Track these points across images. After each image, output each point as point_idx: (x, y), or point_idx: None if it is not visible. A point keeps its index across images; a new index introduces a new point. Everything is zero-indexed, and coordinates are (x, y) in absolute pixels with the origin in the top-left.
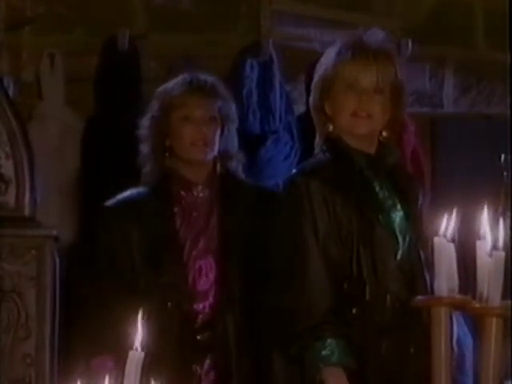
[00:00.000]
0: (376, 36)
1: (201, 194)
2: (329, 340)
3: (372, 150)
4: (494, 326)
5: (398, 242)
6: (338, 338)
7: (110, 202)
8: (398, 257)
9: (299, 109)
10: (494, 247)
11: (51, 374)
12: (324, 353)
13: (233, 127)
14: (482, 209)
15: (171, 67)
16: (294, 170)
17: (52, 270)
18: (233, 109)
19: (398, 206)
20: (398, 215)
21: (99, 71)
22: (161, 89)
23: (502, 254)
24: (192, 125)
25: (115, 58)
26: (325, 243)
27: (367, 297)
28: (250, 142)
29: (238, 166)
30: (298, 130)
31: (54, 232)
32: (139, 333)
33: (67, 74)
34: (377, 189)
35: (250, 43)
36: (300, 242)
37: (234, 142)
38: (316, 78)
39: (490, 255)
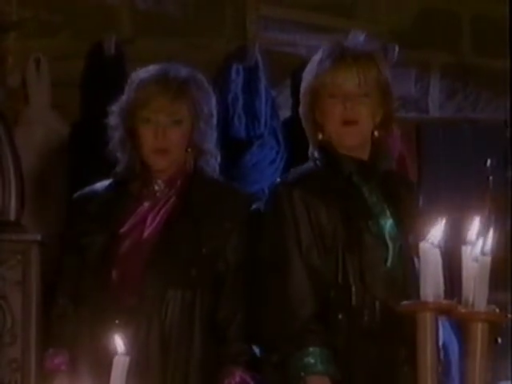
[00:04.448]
0: (356, 39)
1: (157, 189)
2: (311, 349)
3: (365, 156)
4: (479, 331)
5: (387, 249)
6: (320, 347)
7: (76, 194)
8: (388, 264)
9: (285, 114)
10: (482, 252)
11: (37, 378)
12: (306, 361)
13: (205, 123)
14: (469, 214)
15: None
16: (277, 180)
17: (37, 275)
18: (208, 105)
19: (388, 213)
20: (388, 221)
21: (85, 76)
22: (133, 77)
23: (487, 259)
24: (153, 128)
25: (101, 63)
26: (308, 252)
27: (353, 303)
28: (236, 147)
29: (208, 162)
30: (284, 134)
31: (39, 237)
32: (124, 337)
33: (53, 79)
34: (366, 195)
35: (236, 48)
36: (282, 252)
37: (206, 138)
38: (302, 88)
39: (476, 260)
